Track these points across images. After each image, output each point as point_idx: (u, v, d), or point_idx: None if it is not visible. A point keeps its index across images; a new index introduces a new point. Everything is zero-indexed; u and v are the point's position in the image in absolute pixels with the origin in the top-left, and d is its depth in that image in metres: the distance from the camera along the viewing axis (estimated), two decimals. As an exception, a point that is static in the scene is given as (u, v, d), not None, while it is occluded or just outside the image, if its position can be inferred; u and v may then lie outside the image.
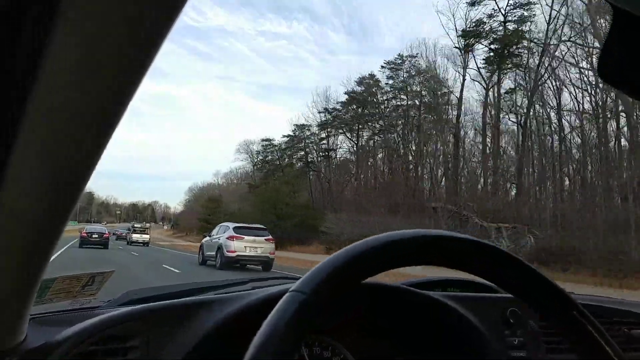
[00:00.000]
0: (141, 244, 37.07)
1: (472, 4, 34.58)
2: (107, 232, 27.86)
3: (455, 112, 37.73)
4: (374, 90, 44.45)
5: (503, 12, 33.79)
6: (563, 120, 31.38)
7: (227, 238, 15.79)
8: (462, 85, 37.01)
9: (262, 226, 17.81)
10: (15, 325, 0.68)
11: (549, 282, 0.66)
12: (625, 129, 26.93)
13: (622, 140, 27.43)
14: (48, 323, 0.91)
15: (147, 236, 39.98)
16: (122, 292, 1.18)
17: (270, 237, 16.64)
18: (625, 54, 0.37)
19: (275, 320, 0.53)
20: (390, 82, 43.41)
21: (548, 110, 32.31)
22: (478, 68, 36.18)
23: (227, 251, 15.51)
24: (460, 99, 37.03)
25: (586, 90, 29.31)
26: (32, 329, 0.77)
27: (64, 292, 1.01)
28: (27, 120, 0.42)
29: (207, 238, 18.11)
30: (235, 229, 16.27)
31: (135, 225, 48.62)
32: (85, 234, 26.34)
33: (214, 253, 16.41)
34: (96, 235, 26.21)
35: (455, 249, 0.66)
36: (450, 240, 0.66)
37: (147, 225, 59.02)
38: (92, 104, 0.43)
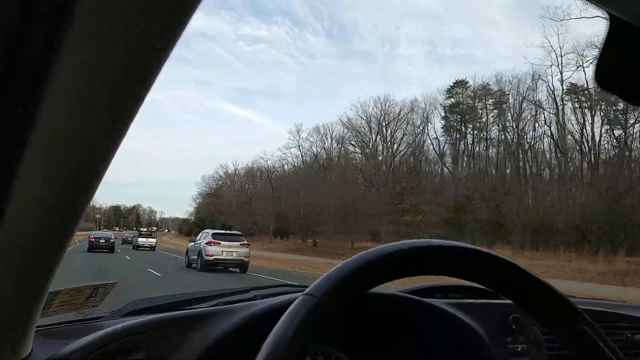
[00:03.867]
0: (147, 249, 35.25)
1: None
2: (112, 237, 30.43)
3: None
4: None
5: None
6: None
7: (206, 243, 16.98)
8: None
9: (238, 232, 19.49)
10: (22, 338, 0.66)
11: (555, 292, 0.64)
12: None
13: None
14: (53, 336, 0.88)
15: (154, 240, 37.52)
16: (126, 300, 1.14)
17: (245, 242, 17.84)
18: (621, 61, 0.37)
19: (287, 322, 0.53)
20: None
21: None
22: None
23: (206, 255, 16.69)
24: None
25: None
26: (37, 342, 0.74)
27: (68, 303, 0.97)
28: (36, 127, 0.41)
29: (192, 243, 19.34)
30: (213, 235, 17.44)
31: (141, 229, 45.80)
32: (94, 239, 29.06)
33: (196, 257, 17.60)
34: (103, 240, 28.96)
35: (468, 260, 0.64)
36: (462, 252, 0.64)
37: (154, 229, 54.97)
38: (103, 110, 0.42)
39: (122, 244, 42.18)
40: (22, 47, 0.38)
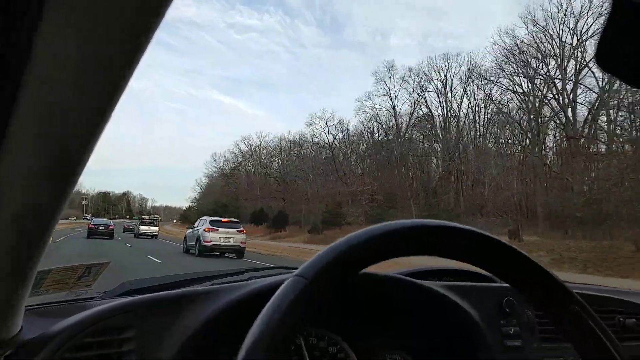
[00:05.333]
0: (150, 237, 34.32)
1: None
2: (112, 224, 30.83)
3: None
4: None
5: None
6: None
7: (204, 230, 17.62)
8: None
9: (235, 219, 19.82)
10: (11, 316, 0.65)
11: (549, 274, 0.64)
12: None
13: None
14: (44, 314, 0.87)
15: (156, 228, 36.78)
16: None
17: (242, 228, 18.48)
18: (624, 42, 0.36)
19: (277, 302, 0.53)
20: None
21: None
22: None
23: (204, 241, 17.33)
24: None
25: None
26: (27, 320, 0.73)
27: (60, 283, 0.95)
28: (18, 114, 0.41)
29: (190, 230, 19.94)
30: (211, 222, 18.08)
31: (143, 217, 44.04)
32: (93, 226, 29.63)
33: (194, 243, 18.19)
34: (102, 227, 29.40)
35: (455, 239, 0.64)
36: (450, 231, 0.63)
37: (156, 216, 51.91)
38: (83, 98, 0.42)
39: (123, 232, 42.03)
40: None
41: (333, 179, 48.85)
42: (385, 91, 46.64)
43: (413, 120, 45.01)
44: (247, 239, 18.80)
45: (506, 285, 0.67)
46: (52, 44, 0.37)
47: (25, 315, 0.70)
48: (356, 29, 77.17)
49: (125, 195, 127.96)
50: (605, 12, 0.36)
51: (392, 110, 45.92)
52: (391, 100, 46.20)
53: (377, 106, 47.16)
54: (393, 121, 46.31)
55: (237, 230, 17.97)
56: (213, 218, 19.10)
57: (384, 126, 47.30)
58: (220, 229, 17.55)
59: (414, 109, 44.27)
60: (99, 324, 0.78)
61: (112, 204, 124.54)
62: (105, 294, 1.09)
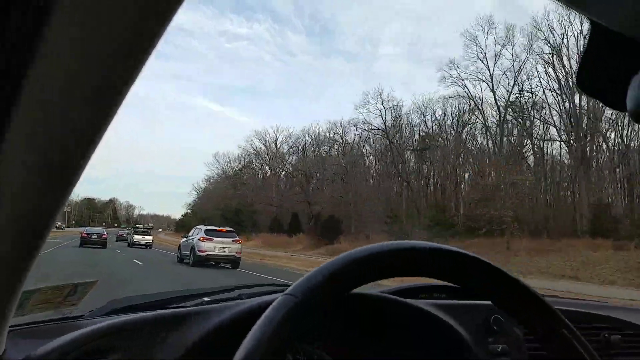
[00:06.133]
0: (144, 246, 33.28)
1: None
2: (105, 233, 30.02)
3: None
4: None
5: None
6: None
7: (199, 239, 17.27)
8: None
9: (230, 229, 19.40)
10: None
11: (537, 297, 0.64)
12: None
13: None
14: (29, 335, 0.85)
15: (150, 238, 35.82)
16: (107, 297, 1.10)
17: (237, 238, 18.23)
18: (602, 66, 0.37)
19: (267, 321, 0.53)
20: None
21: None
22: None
23: (199, 251, 16.97)
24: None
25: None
26: (11, 341, 0.72)
27: (46, 302, 0.93)
28: (17, 114, 0.40)
29: (184, 239, 19.52)
30: (206, 231, 17.73)
31: (137, 225, 42.71)
32: (86, 235, 28.53)
33: (189, 252, 17.80)
34: (95, 236, 28.40)
35: (444, 262, 0.64)
36: (445, 255, 0.64)
37: (150, 225, 50.14)
38: (84, 100, 0.41)
39: (116, 240, 41.35)
40: None
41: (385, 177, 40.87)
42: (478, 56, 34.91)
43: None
44: (287, 253, 18.31)
45: None
46: (54, 44, 0.37)
47: (8, 337, 0.69)
48: (345, 38, 77.02)
49: (112, 202, 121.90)
50: (586, 35, 0.37)
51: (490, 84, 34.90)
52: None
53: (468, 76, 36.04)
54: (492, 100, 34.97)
55: (233, 240, 17.73)
56: (208, 227, 18.80)
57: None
58: (215, 239, 17.27)
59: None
60: (86, 346, 0.76)
61: (97, 211, 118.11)
62: (92, 312, 1.07)
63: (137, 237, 35.23)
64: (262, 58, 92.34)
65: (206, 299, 1.12)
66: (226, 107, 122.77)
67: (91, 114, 0.42)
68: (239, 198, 50.95)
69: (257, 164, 57.08)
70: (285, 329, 0.53)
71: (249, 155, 56.70)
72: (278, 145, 54.18)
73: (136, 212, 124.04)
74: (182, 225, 59.91)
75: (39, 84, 0.39)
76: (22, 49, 0.36)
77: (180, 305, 1.06)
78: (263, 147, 54.94)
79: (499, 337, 1.03)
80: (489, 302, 1.04)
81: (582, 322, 1.10)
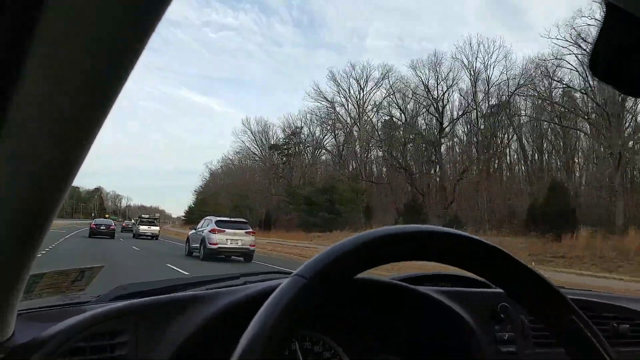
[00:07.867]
0: (150, 237, 32.62)
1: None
2: (112, 225, 31.01)
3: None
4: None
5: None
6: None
7: (210, 231, 16.24)
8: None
9: (243, 220, 18.36)
10: (3, 321, 0.64)
11: (546, 282, 0.63)
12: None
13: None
14: (36, 319, 0.86)
15: (157, 228, 34.75)
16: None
17: (250, 229, 17.08)
18: (616, 50, 0.36)
19: (276, 301, 0.53)
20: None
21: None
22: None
23: (210, 243, 15.97)
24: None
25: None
26: (20, 324, 0.73)
27: (53, 287, 0.94)
28: (16, 114, 0.41)
29: (193, 231, 18.35)
30: (217, 222, 16.66)
31: (143, 216, 40.55)
32: (95, 226, 29.95)
33: (198, 245, 16.77)
34: (103, 227, 29.70)
35: (455, 245, 0.63)
36: (448, 237, 0.63)
37: (157, 215, 46.41)
38: (80, 98, 0.41)
39: (121, 231, 41.14)
40: None
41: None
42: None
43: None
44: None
45: (501, 290, 0.66)
46: (50, 44, 0.37)
47: (17, 320, 0.70)
48: (332, 30, 75.69)
49: (98, 191, 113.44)
50: (600, 19, 0.36)
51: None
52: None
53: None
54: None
55: (246, 232, 16.63)
56: (219, 218, 17.62)
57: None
58: (227, 230, 16.16)
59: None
60: (92, 329, 0.77)
61: (82, 201, 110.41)
62: (99, 298, 1.08)
63: (143, 228, 34.15)
64: (248, 49, 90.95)
65: (212, 285, 1.12)
66: (211, 98, 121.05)
67: (86, 110, 0.43)
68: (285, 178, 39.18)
69: (327, 125, 40.66)
70: (295, 310, 0.53)
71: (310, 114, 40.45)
72: (366, 98, 37.11)
73: (123, 202, 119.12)
74: (190, 217, 54.10)
75: (32, 82, 0.39)
76: (13, 48, 0.36)
77: (186, 291, 1.06)
78: (343, 99, 37.85)
79: (505, 324, 1.02)
80: (496, 290, 1.03)
81: (590, 310, 1.09)
